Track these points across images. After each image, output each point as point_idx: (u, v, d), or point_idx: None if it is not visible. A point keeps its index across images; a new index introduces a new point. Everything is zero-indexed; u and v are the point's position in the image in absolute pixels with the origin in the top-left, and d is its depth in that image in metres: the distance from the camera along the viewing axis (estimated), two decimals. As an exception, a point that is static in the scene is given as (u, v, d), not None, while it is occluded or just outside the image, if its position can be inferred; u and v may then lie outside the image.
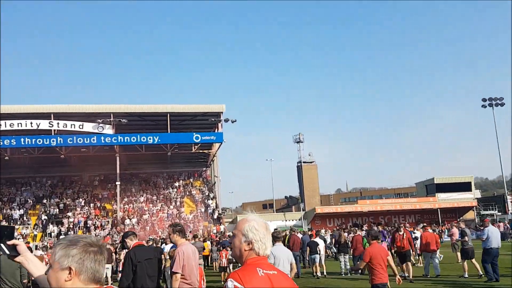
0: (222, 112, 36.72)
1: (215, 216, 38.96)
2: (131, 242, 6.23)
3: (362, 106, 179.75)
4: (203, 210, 39.75)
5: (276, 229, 19.99)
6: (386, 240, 19.08)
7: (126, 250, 6.38)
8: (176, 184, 44.36)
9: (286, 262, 6.90)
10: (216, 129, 37.91)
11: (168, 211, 38.99)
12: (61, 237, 32.98)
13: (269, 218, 42.19)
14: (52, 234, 33.78)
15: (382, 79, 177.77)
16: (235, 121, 35.74)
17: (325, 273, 15.53)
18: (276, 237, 7.18)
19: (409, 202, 44.98)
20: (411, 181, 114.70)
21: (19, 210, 36.58)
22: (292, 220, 41.39)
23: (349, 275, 15.15)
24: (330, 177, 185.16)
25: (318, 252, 15.18)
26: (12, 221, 35.26)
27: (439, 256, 15.90)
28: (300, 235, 19.88)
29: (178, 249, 5.74)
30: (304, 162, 57.30)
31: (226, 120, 35.61)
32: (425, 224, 17.96)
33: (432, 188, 49.64)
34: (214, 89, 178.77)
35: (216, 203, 41.18)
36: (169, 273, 5.92)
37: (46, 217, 36.18)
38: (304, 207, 44.94)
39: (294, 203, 56.99)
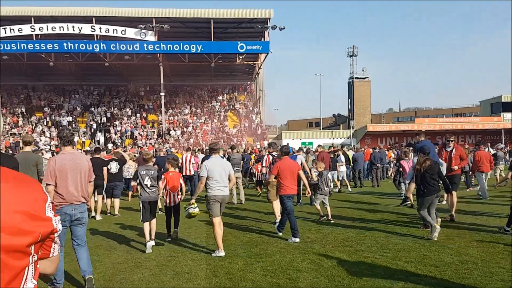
0: (269, 19, 33.72)
1: (259, 132, 37.95)
2: None
3: (420, 19, 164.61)
4: (247, 125, 38.77)
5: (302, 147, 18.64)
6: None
7: None
8: (220, 97, 43.27)
9: (224, 175, 6.75)
10: (263, 38, 35.22)
11: (211, 124, 38.38)
12: (108, 144, 33.71)
13: (315, 136, 40.68)
14: (100, 141, 34.36)
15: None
16: (284, 28, 32.74)
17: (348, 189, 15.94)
18: (212, 149, 7.06)
19: (471, 121, 41.37)
20: (470, 102, 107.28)
21: (67, 117, 37.25)
22: (340, 138, 39.63)
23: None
24: (382, 95, 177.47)
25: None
26: (61, 127, 36.14)
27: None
28: (351, 152, 18.77)
29: (50, 159, 5.43)
30: (356, 78, 53.78)
31: (274, 27, 32.71)
32: (480, 143, 15.56)
33: (498, 107, 45.35)
34: None
35: (260, 118, 39.94)
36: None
37: (94, 125, 36.75)
38: (353, 125, 42.76)
39: (342, 121, 54.68)
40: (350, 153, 18.13)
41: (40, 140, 33.68)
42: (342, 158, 16.20)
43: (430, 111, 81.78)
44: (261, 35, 35.85)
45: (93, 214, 10.88)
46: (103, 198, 11.36)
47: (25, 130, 35.16)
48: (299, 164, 8.73)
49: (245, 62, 37.90)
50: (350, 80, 54.76)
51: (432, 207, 7.61)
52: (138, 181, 7.44)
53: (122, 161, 11.81)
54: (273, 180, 8.25)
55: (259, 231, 8.67)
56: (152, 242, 7.18)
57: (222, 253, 6.59)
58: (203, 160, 14.39)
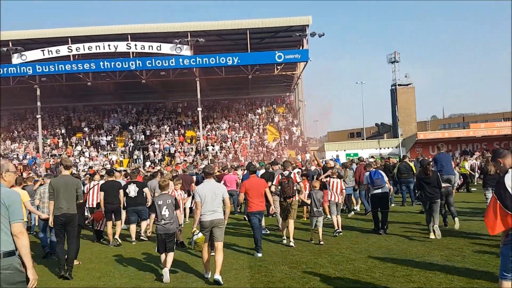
0: (307, 26, 32.23)
1: (300, 144, 36.23)
2: None
3: (462, 26, 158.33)
4: (287, 137, 37.18)
5: (353, 157, 17.20)
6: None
7: None
8: (258, 110, 42.02)
9: (216, 199, 6.63)
10: (301, 46, 33.75)
11: (250, 138, 37.07)
12: (146, 162, 33.12)
13: (360, 147, 38.44)
14: (138, 160, 33.82)
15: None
16: (323, 34, 31.13)
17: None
18: (206, 172, 6.93)
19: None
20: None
21: (106, 137, 37.11)
22: (388, 148, 37.18)
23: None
24: (423, 102, 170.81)
25: None
26: (99, 147, 36.01)
27: None
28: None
29: None
30: (399, 84, 51.05)
31: (313, 34, 31.15)
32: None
33: None
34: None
35: (300, 130, 38.26)
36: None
37: (132, 144, 36.38)
38: (398, 134, 40.18)
39: (386, 130, 51.92)
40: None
41: (80, 160, 33.56)
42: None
43: (478, 116, 76.75)
44: (300, 43, 34.42)
45: (117, 241, 9.99)
46: (121, 223, 10.60)
47: (64, 151, 35.24)
48: (266, 183, 8.76)
49: (283, 73, 36.52)
50: (393, 88, 52.08)
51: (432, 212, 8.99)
52: (155, 211, 6.96)
53: (141, 184, 10.72)
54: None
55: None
56: (167, 270, 6.71)
57: (208, 275, 6.66)
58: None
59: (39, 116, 34.76)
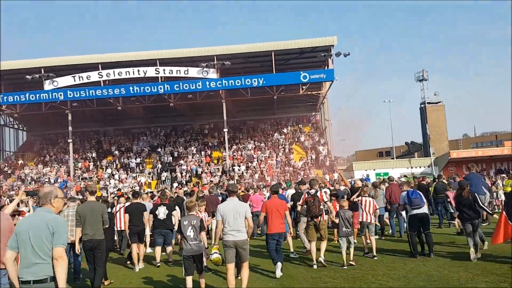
0: (333, 46, 32.18)
1: (327, 163, 35.71)
2: None
3: (491, 43, 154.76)
4: (313, 157, 36.75)
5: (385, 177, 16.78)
6: None
7: None
8: (284, 130, 41.89)
9: (239, 218, 6.51)
10: (326, 66, 33.65)
11: (276, 158, 36.86)
12: (174, 184, 33.31)
13: (390, 166, 37.60)
14: (166, 181, 34.09)
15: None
16: (348, 54, 30.96)
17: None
18: (230, 191, 6.93)
19: None
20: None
21: (135, 159, 37.72)
22: (420, 167, 36.16)
23: None
24: (454, 120, 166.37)
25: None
26: (129, 169, 36.58)
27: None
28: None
29: None
30: (428, 102, 50.01)
31: (338, 54, 31.03)
32: None
33: None
34: (322, 22, 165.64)
35: (327, 149, 37.78)
36: None
37: (160, 165, 36.80)
38: (429, 153, 39.01)
39: (416, 149, 50.68)
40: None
41: (110, 183, 34.13)
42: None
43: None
44: (325, 63, 34.35)
45: (138, 266, 9.84)
46: (145, 246, 10.55)
47: (95, 174, 35.95)
48: (286, 204, 8.86)
49: (308, 93, 36.41)
50: (422, 106, 51.05)
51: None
52: (180, 232, 6.99)
53: (171, 207, 10.54)
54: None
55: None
56: None
57: None
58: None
59: (71, 140, 35.73)
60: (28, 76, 31.56)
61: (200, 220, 6.99)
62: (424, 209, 9.60)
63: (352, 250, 8.98)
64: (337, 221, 9.43)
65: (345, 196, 12.18)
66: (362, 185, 12.38)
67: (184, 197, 13.60)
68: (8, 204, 17.22)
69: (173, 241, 12.50)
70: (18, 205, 11.59)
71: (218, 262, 6.70)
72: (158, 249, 10.15)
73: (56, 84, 32.59)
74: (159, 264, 10.01)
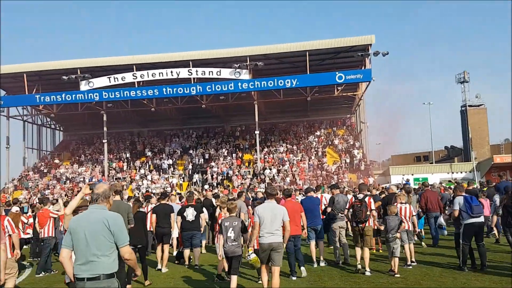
0: (370, 45, 31.01)
1: (362, 168, 34.46)
2: None
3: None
4: (348, 160, 35.58)
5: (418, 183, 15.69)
6: None
7: None
8: (317, 133, 40.90)
9: (275, 221, 6.58)
10: (363, 66, 32.51)
11: (309, 161, 35.94)
12: (205, 186, 33.07)
13: (429, 171, 35.89)
14: (197, 183, 33.90)
15: None
16: (387, 53, 29.73)
17: None
18: (268, 193, 6.99)
19: None
20: None
21: (167, 160, 37.80)
22: (461, 172, 34.29)
23: None
24: (494, 124, 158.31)
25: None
26: (161, 170, 36.68)
27: None
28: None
29: None
30: (470, 105, 47.63)
31: (376, 54, 29.85)
32: None
33: None
34: (358, 21, 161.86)
35: (363, 152, 36.50)
36: None
37: (191, 167, 36.71)
38: (471, 157, 36.98)
39: (456, 154, 48.41)
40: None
41: (143, 183, 34.31)
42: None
43: None
44: (362, 63, 33.22)
45: (158, 266, 9.74)
46: (172, 248, 10.63)
47: (128, 174, 36.28)
48: (301, 207, 8.93)
49: (344, 94, 35.30)
50: (463, 109, 48.70)
51: None
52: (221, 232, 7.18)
53: (199, 208, 10.37)
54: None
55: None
56: None
57: None
58: (302, 201, 12.45)
59: (105, 140, 36.23)
60: (64, 77, 32.19)
61: (241, 221, 7.14)
62: (482, 218, 8.69)
63: (396, 259, 8.49)
64: (382, 227, 9.05)
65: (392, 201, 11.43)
66: (395, 192, 11.92)
67: (213, 199, 13.25)
68: (37, 203, 17.32)
69: (204, 242, 12.18)
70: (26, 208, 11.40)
71: (256, 263, 6.77)
72: (187, 251, 10.03)
73: (92, 85, 33.07)
74: (187, 265, 9.93)
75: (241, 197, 12.57)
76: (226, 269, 8.26)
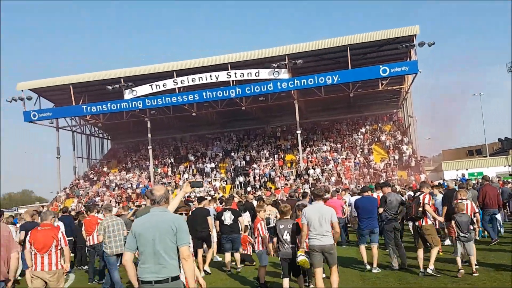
0: (415, 36, 29.48)
1: (413, 164, 32.83)
2: None
3: None
4: (396, 157, 34.05)
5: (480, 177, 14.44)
6: None
7: None
8: (362, 130, 39.53)
9: (324, 222, 6.50)
10: (408, 58, 31.00)
11: (354, 159, 34.74)
12: (248, 188, 32.79)
13: (484, 165, 33.75)
14: (239, 185, 33.70)
15: None
16: (433, 43, 28.20)
17: None
18: (316, 194, 6.95)
19: None
20: None
21: (210, 164, 37.93)
22: (519, 166, 32.01)
23: None
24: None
25: None
26: (204, 174, 36.83)
27: None
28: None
29: None
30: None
31: (421, 44, 28.35)
32: None
33: None
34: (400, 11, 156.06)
35: (412, 148, 34.81)
36: None
37: (233, 170, 36.59)
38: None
39: (511, 146, 45.03)
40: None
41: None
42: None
43: None
44: (406, 55, 31.71)
45: (202, 268, 9.69)
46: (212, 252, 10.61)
47: (173, 179, 36.72)
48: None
49: (389, 88, 33.84)
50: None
51: None
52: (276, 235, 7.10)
53: (237, 212, 10.29)
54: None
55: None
56: None
57: None
58: (355, 202, 11.72)
59: (150, 147, 36.89)
60: (109, 87, 33.09)
61: (296, 224, 7.01)
62: None
63: (473, 257, 8.06)
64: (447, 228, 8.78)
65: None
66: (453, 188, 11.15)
67: (254, 202, 12.89)
68: (83, 210, 17.63)
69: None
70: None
71: (305, 265, 6.62)
72: (228, 255, 9.88)
73: (135, 93, 33.77)
74: (229, 271, 9.72)
75: (306, 198, 11.99)
76: (261, 280, 8.02)
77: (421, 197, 8.33)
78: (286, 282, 6.97)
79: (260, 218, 8.42)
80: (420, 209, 8.23)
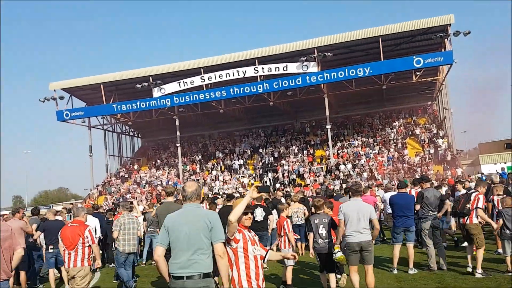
0: (449, 25, 28.05)
1: (449, 158, 31.40)
2: None
3: None
4: (431, 151, 32.68)
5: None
6: None
7: None
8: (396, 123, 38.22)
9: (362, 219, 6.38)
10: (443, 49, 29.58)
11: (388, 154, 33.59)
12: (276, 184, 32.29)
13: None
14: (268, 182, 33.24)
15: None
16: (469, 33, 26.77)
17: None
18: (354, 190, 6.81)
19: None
20: None
21: (238, 160, 37.66)
22: None
23: None
24: None
25: None
26: (232, 171, 36.60)
27: None
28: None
29: None
30: None
31: (457, 34, 26.94)
32: None
33: None
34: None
35: (448, 142, 33.33)
36: None
37: (261, 166, 36.17)
38: None
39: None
40: None
41: (215, 184, 34.46)
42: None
43: None
44: (440, 45, 30.30)
45: None
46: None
47: (201, 176, 36.69)
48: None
49: (423, 80, 32.48)
50: None
51: None
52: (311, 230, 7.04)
53: (267, 209, 10.02)
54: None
55: None
56: None
57: None
58: (392, 197, 11.18)
59: (179, 144, 36.99)
60: (138, 85, 33.29)
61: (330, 218, 7.03)
62: None
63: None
64: (494, 225, 8.03)
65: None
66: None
67: (282, 199, 12.47)
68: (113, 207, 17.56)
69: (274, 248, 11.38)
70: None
71: (342, 261, 6.52)
72: None
73: (164, 91, 33.84)
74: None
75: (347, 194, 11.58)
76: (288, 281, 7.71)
77: (472, 196, 7.75)
78: (324, 277, 7.00)
79: (285, 216, 8.34)
80: (468, 205, 7.85)
